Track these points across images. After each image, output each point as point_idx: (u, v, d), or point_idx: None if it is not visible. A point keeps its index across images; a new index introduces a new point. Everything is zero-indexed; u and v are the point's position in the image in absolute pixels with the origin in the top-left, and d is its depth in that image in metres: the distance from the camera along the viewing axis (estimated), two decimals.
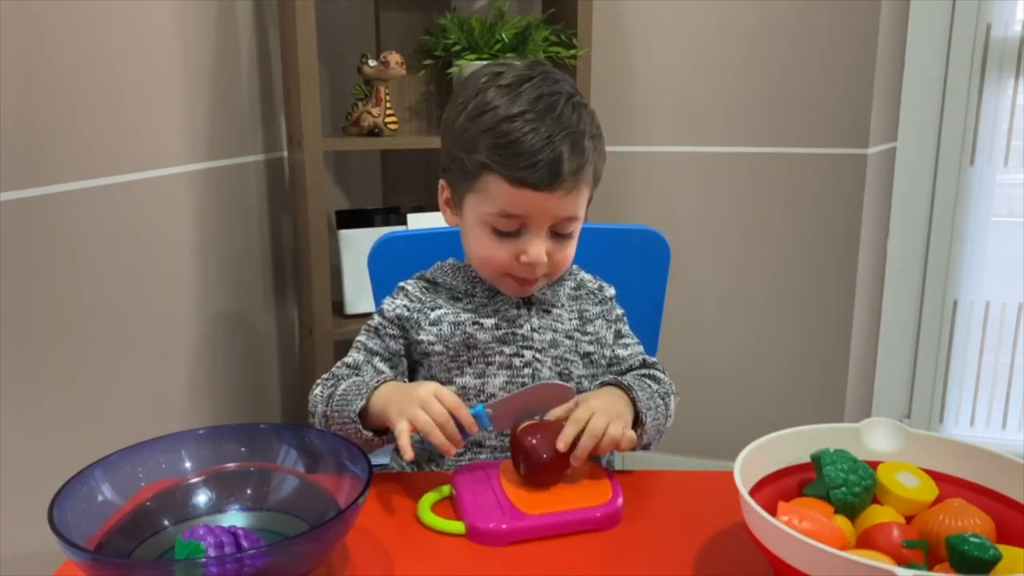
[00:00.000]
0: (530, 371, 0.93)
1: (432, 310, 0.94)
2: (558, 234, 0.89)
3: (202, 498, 0.73)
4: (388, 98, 1.73)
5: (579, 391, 0.95)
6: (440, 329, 0.92)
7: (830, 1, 1.83)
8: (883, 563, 0.54)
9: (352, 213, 1.83)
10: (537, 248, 0.87)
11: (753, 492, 0.66)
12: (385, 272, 1.08)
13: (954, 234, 2.07)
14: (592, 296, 1.00)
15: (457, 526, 0.74)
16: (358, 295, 1.78)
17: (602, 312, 0.99)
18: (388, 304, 0.96)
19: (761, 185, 1.96)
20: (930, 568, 0.60)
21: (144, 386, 1.38)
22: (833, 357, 2.00)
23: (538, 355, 0.93)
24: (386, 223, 1.82)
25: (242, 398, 1.74)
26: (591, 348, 0.97)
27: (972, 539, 0.57)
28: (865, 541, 0.63)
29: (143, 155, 1.36)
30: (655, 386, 0.91)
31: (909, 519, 0.66)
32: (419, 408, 0.77)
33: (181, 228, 1.48)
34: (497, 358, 0.93)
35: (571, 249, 0.93)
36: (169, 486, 0.72)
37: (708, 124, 1.96)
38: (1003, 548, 0.58)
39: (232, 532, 0.65)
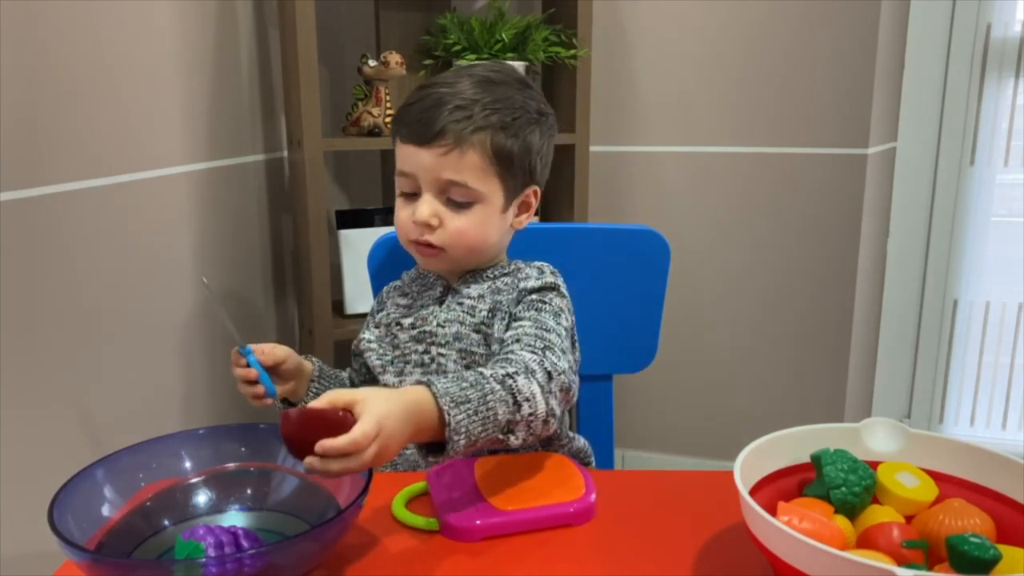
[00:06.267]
0: (435, 366, 0.93)
1: (379, 312, 1.00)
2: (454, 202, 0.90)
3: (202, 498, 0.73)
4: (388, 98, 1.73)
5: None
6: (378, 331, 0.99)
7: (830, 1, 1.83)
8: (883, 563, 0.54)
9: (352, 213, 1.82)
10: (423, 208, 0.89)
11: (753, 492, 0.66)
12: (385, 272, 1.08)
13: (954, 234, 2.07)
14: (512, 289, 0.94)
15: (431, 522, 0.75)
16: (358, 295, 1.78)
17: (508, 306, 0.92)
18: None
19: (761, 185, 1.96)
20: (930, 568, 0.60)
21: (144, 386, 1.38)
22: (833, 357, 2.00)
23: (442, 350, 0.93)
24: (386, 223, 1.82)
25: (242, 398, 1.73)
26: (492, 343, 0.92)
27: (972, 539, 0.57)
28: (865, 541, 0.63)
29: (143, 155, 1.36)
30: (495, 370, 0.76)
31: (909, 519, 0.66)
32: None
33: (181, 228, 1.48)
34: (412, 356, 0.94)
35: (467, 222, 0.90)
36: (169, 486, 0.73)
37: (708, 124, 1.96)
38: (1003, 548, 0.58)
39: (232, 532, 0.65)
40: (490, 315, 0.92)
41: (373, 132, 1.72)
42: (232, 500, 0.73)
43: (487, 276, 0.96)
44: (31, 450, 1.12)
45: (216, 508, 0.73)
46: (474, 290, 0.95)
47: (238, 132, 1.68)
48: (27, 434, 1.11)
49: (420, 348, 0.94)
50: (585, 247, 1.12)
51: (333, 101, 1.96)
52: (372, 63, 1.70)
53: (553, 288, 0.93)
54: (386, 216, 1.83)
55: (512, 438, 0.75)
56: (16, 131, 1.08)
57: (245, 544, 0.65)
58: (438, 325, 0.93)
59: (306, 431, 0.63)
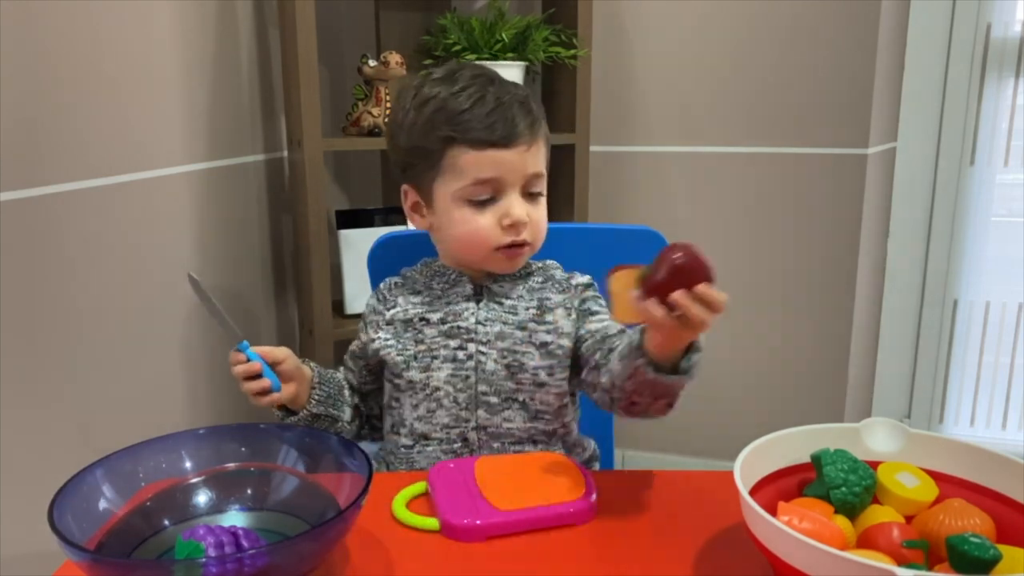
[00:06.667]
0: (473, 363, 0.92)
1: (389, 310, 0.97)
2: (530, 194, 0.92)
3: (202, 498, 0.73)
4: (388, 98, 1.73)
5: (536, 383, 0.93)
6: (394, 328, 0.96)
7: (830, 1, 1.83)
8: (883, 563, 0.54)
9: (352, 213, 1.83)
10: (518, 207, 0.90)
11: (753, 492, 0.66)
12: (385, 272, 1.08)
13: (954, 234, 2.07)
14: (556, 286, 0.97)
15: (431, 522, 0.75)
16: (358, 295, 1.78)
17: (564, 301, 0.96)
18: (362, 318, 1.02)
19: (761, 185, 1.96)
20: (930, 568, 0.60)
21: (144, 386, 1.38)
22: (833, 357, 2.00)
23: (482, 347, 0.93)
24: (386, 223, 1.82)
25: (242, 398, 1.73)
26: (548, 338, 0.93)
27: (972, 539, 0.57)
28: (865, 541, 0.63)
29: (143, 155, 1.36)
30: None
31: (909, 519, 0.66)
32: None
33: (181, 228, 1.48)
34: (442, 352, 0.93)
35: (543, 211, 0.95)
36: (169, 486, 0.72)
37: (708, 124, 1.96)
38: (1003, 548, 0.58)
39: (232, 532, 0.65)
40: (539, 312, 0.94)
41: (373, 132, 1.72)
42: (232, 500, 0.73)
43: (516, 276, 0.97)
44: (31, 450, 1.12)
45: (216, 508, 0.73)
46: (509, 290, 0.96)
47: (238, 132, 1.68)
48: (27, 434, 1.11)
49: (453, 343, 0.93)
50: (585, 247, 1.12)
51: (333, 101, 1.96)
52: (372, 63, 1.70)
53: (592, 285, 1.00)
54: (386, 216, 1.83)
55: (675, 404, 0.86)
56: (16, 131, 1.08)
57: (245, 544, 0.65)
58: (477, 323, 0.93)
59: (697, 269, 0.69)
